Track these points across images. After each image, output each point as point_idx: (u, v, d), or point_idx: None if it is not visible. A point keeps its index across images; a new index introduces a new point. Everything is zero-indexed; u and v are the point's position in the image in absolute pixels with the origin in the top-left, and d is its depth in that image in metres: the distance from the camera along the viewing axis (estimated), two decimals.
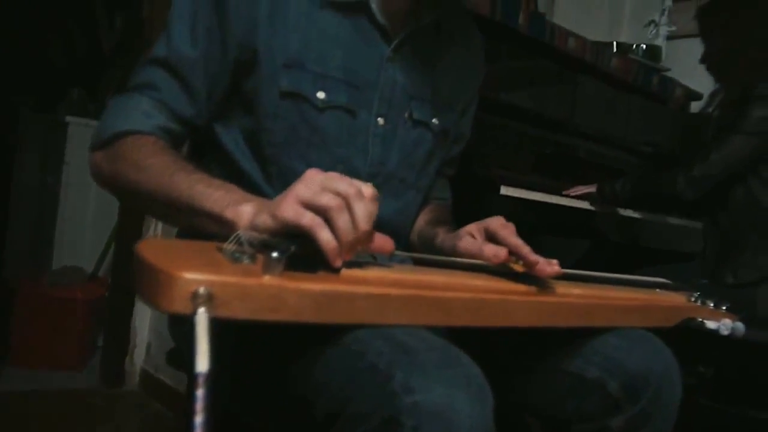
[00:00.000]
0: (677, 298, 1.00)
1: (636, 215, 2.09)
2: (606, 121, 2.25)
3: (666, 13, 2.71)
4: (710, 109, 1.96)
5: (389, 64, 0.98)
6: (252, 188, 0.87)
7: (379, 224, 0.98)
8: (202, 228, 0.75)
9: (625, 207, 2.00)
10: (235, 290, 0.56)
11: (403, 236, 1.08)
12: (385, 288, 0.66)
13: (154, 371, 2.36)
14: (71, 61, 3.39)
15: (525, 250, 0.82)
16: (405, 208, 1.06)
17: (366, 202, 0.66)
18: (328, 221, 0.65)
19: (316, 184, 0.67)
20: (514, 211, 1.74)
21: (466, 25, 1.14)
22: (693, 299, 1.01)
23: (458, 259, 0.88)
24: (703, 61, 2.02)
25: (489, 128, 1.83)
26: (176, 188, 0.78)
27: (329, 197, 0.65)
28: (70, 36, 3.43)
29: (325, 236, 0.65)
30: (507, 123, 1.88)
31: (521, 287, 0.80)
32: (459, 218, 1.16)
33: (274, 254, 0.58)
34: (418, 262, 0.89)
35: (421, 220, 1.12)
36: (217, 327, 0.53)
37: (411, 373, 0.63)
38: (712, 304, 1.01)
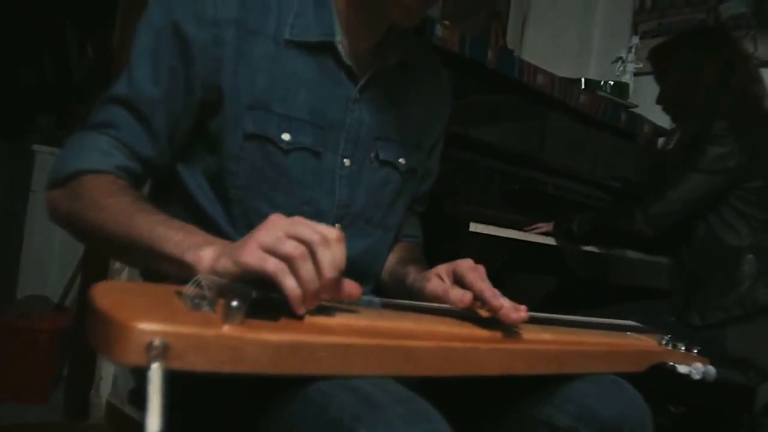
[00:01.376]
0: (648, 342, 0.99)
1: (601, 251, 2.08)
2: (575, 157, 2.26)
3: (633, 49, 2.75)
4: (669, 148, 1.98)
5: (355, 104, 0.97)
6: (214, 230, 0.85)
7: (349, 264, 0.96)
8: (162, 270, 0.73)
9: (584, 244, 1.99)
10: (192, 341, 0.54)
11: (371, 276, 1.07)
12: (348, 338, 0.64)
13: (120, 404, 2.29)
14: (41, 89, 3.35)
15: (489, 294, 0.80)
16: (373, 247, 1.05)
17: (332, 248, 0.64)
18: (291, 270, 0.63)
19: (279, 230, 0.65)
20: (485, 247, 1.73)
21: (432, 64, 1.14)
22: (664, 342, 1.00)
23: (426, 304, 0.87)
24: (659, 101, 2.06)
25: (458, 164, 1.83)
26: (136, 230, 0.76)
27: (292, 245, 0.63)
28: (41, 63, 3.39)
29: (290, 283, 0.63)
30: (476, 159, 1.87)
31: (488, 334, 0.78)
32: (429, 255, 1.15)
33: (234, 303, 0.56)
34: (386, 306, 0.87)
35: (392, 259, 1.11)
36: (171, 378, 0.51)
37: (376, 429, 0.61)
38: (683, 348, 1.01)
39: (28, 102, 3.28)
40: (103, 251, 0.89)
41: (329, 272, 0.64)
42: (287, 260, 0.63)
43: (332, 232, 0.65)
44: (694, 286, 1.91)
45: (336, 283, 0.65)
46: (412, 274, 0.99)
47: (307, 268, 0.63)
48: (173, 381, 0.51)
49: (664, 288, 2.13)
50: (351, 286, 0.69)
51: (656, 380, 0.97)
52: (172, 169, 0.95)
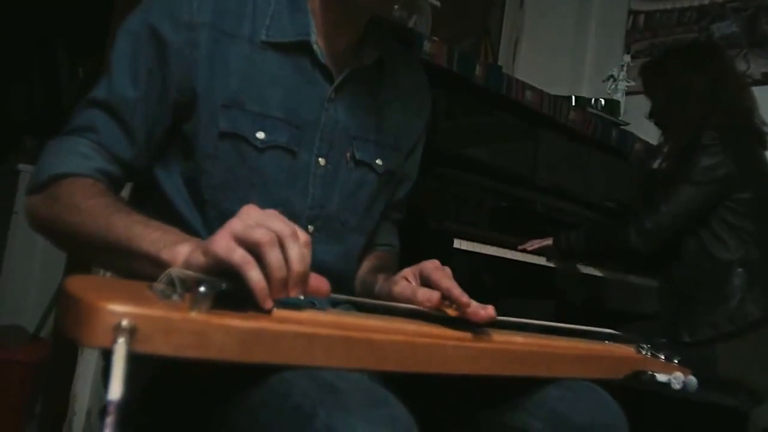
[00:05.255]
0: (626, 350, 0.98)
1: (596, 273, 2.06)
2: (565, 174, 2.25)
3: (624, 68, 2.76)
4: (658, 162, 1.99)
5: (331, 104, 0.98)
6: (191, 233, 0.85)
7: (322, 268, 0.95)
8: (141, 270, 0.73)
9: (581, 260, 1.98)
10: (159, 324, 0.55)
11: (347, 280, 1.06)
12: (312, 328, 0.64)
13: None
14: (30, 112, 3.35)
15: (457, 292, 0.80)
16: (348, 251, 1.04)
17: (300, 244, 0.65)
18: (260, 257, 0.63)
19: (251, 219, 0.66)
20: (470, 266, 1.72)
21: (410, 66, 1.14)
22: (643, 351, 0.98)
23: (398, 305, 0.86)
24: (650, 116, 2.08)
25: (445, 181, 1.82)
26: (114, 230, 0.77)
27: (262, 232, 0.64)
28: (31, 86, 3.40)
29: (254, 275, 0.63)
30: (462, 175, 1.87)
31: (457, 334, 0.77)
32: None
33: (201, 289, 0.58)
34: (361, 308, 0.87)
35: (365, 267, 1.10)
36: (138, 366, 0.52)
37: (334, 412, 0.62)
38: (663, 357, 0.99)
39: (17, 124, 3.28)
40: (83, 255, 0.90)
41: (297, 265, 0.64)
42: (256, 246, 0.63)
43: (302, 234, 0.67)
44: (683, 303, 1.90)
45: (303, 278, 0.66)
46: (381, 281, 0.99)
47: (275, 254, 0.63)
48: (141, 369, 0.53)
49: (655, 312, 2.11)
50: (320, 281, 0.69)
51: (615, 392, 0.95)
52: (150, 173, 0.96)
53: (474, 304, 0.78)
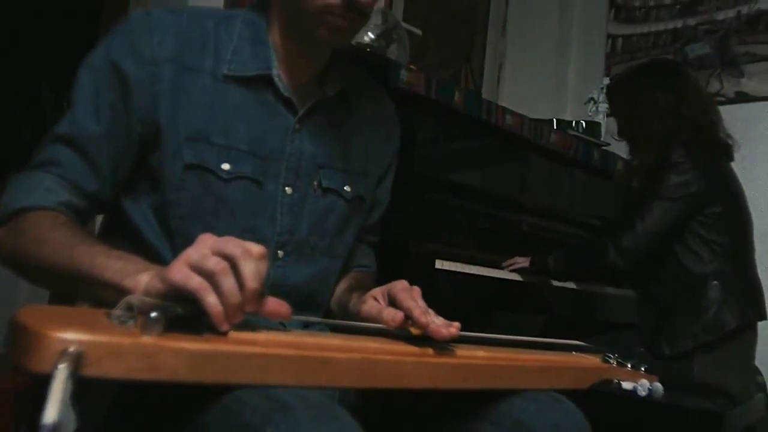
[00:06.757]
0: (592, 360, 1.00)
1: (575, 286, 2.10)
2: (548, 194, 2.29)
3: (604, 90, 2.81)
4: (632, 181, 2.03)
5: (296, 134, 1.00)
6: (160, 263, 0.86)
7: (294, 290, 0.99)
8: (107, 298, 0.74)
9: (561, 280, 2.02)
10: (107, 349, 0.56)
11: (320, 302, 1.08)
12: (265, 348, 0.66)
13: None
14: (16, 149, 3.37)
15: (417, 312, 0.82)
16: (320, 274, 1.06)
17: (254, 260, 0.67)
18: (214, 285, 0.65)
19: (205, 248, 0.67)
20: (453, 285, 1.75)
21: (377, 96, 1.16)
22: (610, 360, 1.01)
23: (366, 324, 0.88)
24: (618, 135, 2.14)
25: (428, 204, 1.86)
26: (77, 261, 0.79)
27: (215, 261, 0.66)
28: (17, 124, 3.42)
29: (211, 300, 0.65)
30: (444, 198, 1.90)
31: (419, 350, 0.80)
32: None
33: (152, 314, 0.59)
34: (335, 329, 0.89)
35: (341, 287, 1.12)
36: (95, 389, 0.53)
37: (282, 429, 0.63)
38: (629, 365, 1.01)
39: (4, 162, 3.29)
40: (48, 286, 0.92)
41: (251, 282, 0.66)
42: (210, 276, 0.65)
43: (256, 248, 0.68)
44: (662, 316, 1.93)
45: (258, 296, 0.67)
46: (353, 300, 1.01)
47: (228, 283, 0.65)
48: (102, 397, 0.53)
49: (633, 322, 2.15)
50: (279, 305, 0.71)
51: (596, 399, 0.98)
52: (118, 206, 0.97)
53: (437, 322, 0.80)
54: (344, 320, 1.03)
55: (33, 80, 3.43)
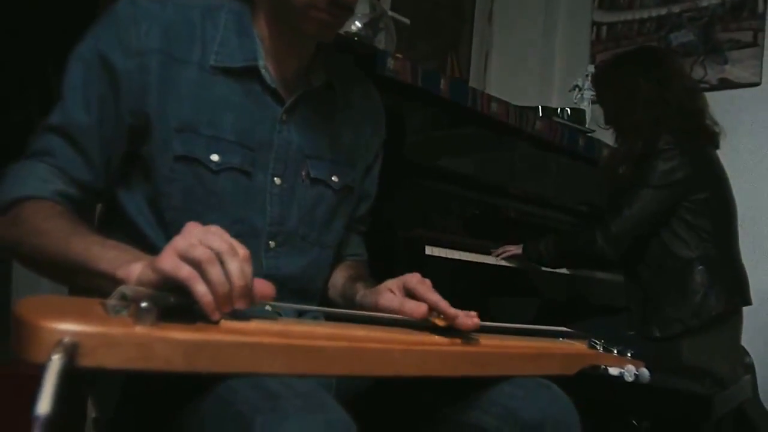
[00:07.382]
0: (578, 346, 1.01)
1: (566, 272, 2.12)
2: (534, 180, 2.31)
3: (589, 77, 2.82)
4: (622, 168, 2.04)
5: (283, 125, 1.01)
6: (155, 253, 0.87)
7: (286, 281, 1.00)
8: (101, 289, 0.75)
9: (552, 267, 2.04)
10: (102, 339, 0.57)
11: (312, 292, 1.09)
12: (256, 337, 0.67)
13: None
14: (28, 135, 3.34)
15: (443, 304, 0.85)
16: (311, 264, 1.07)
17: (239, 259, 0.68)
18: (202, 274, 0.66)
19: (193, 237, 0.68)
20: (443, 271, 1.76)
21: (363, 88, 1.17)
22: (597, 346, 1.02)
23: (371, 313, 0.91)
24: (605, 124, 2.14)
25: (416, 191, 1.86)
26: (72, 251, 0.79)
27: (202, 250, 0.66)
28: (28, 110, 3.39)
29: (200, 289, 0.66)
30: (432, 185, 1.91)
31: (407, 337, 0.81)
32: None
33: (143, 304, 0.60)
34: (330, 318, 0.91)
35: (340, 278, 1.14)
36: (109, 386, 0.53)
37: (271, 418, 0.64)
38: (615, 351, 1.03)
39: (17, 149, 3.27)
40: (46, 275, 0.91)
41: (237, 279, 0.67)
42: (198, 264, 0.66)
43: (240, 248, 0.69)
44: (651, 300, 1.95)
45: (247, 290, 0.68)
46: (361, 290, 1.03)
47: (215, 272, 0.66)
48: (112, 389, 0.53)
49: (624, 306, 2.17)
50: (264, 285, 0.72)
51: (588, 383, 0.99)
52: (114, 197, 0.98)
53: (461, 314, 0.84)
54: (348, 308, 1.05)
55: (43, 68, 3.40)
